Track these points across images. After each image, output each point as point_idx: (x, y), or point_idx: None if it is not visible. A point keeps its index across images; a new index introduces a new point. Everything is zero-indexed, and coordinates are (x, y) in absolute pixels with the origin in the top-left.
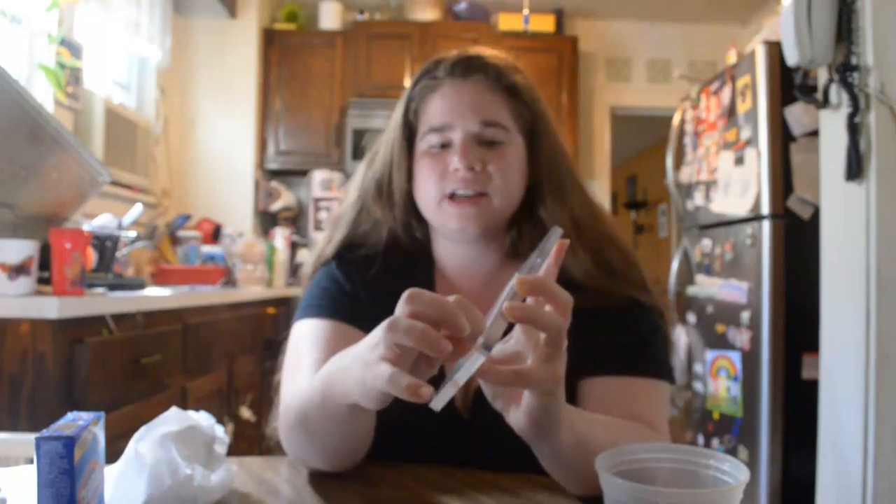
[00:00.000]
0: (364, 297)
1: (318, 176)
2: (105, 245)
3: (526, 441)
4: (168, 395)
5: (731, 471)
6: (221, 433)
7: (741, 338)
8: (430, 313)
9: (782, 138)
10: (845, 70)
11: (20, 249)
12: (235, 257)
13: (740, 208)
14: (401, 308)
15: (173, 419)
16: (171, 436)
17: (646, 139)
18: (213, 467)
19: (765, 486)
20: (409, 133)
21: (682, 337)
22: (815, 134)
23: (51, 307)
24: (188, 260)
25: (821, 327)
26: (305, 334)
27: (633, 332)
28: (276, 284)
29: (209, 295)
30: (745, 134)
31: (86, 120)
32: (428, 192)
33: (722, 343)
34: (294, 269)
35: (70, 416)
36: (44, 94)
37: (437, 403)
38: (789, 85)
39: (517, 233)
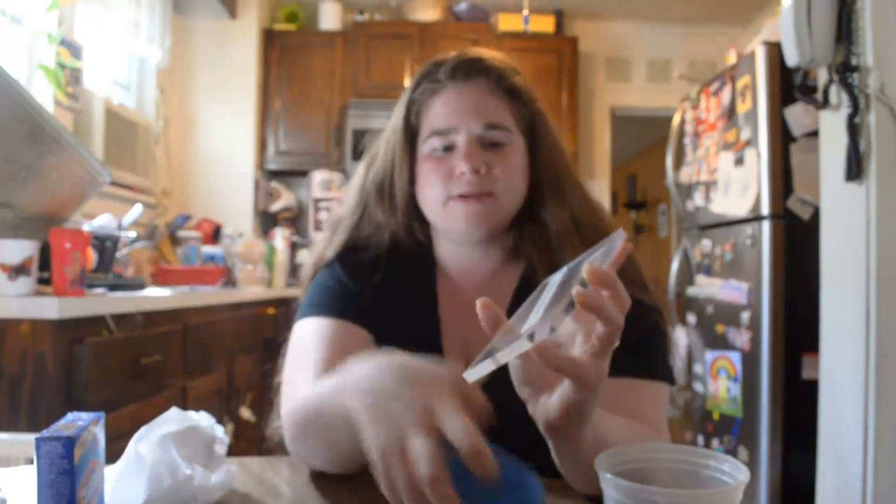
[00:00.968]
0: (369, 298)
1: (318, 176)
2: (105, 245)
3: (548, 434)
4: (168, 395)
5: (731, 471)
6: (221, 433)
7: (741, 338)
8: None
9: (782, 139)
10: (845, 70)
11: (20, 249)
12: (235, 257)
13: (740, 209)
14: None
15: (173, 419)
16: (171, 436)
17: (646, 139)
18: (212, 468)
19: (765, 486)
20: (411, 136)
21: (682, 337)
22: (814, 134)
23: (51, 307)
24: (188, 260)
25: (821, 328)
26: (309, 333)
27: (632, 332)
28: (276, 285)
29: (209, 295)
30: (745, 134)
31: (86, 120)
32: (433, 195)
33: (722, 343)
34: (294, 270)
35: (70, 416)
36: (44, 95)
37: (472, 375)
38: (789, 85)
39: (518, 233)
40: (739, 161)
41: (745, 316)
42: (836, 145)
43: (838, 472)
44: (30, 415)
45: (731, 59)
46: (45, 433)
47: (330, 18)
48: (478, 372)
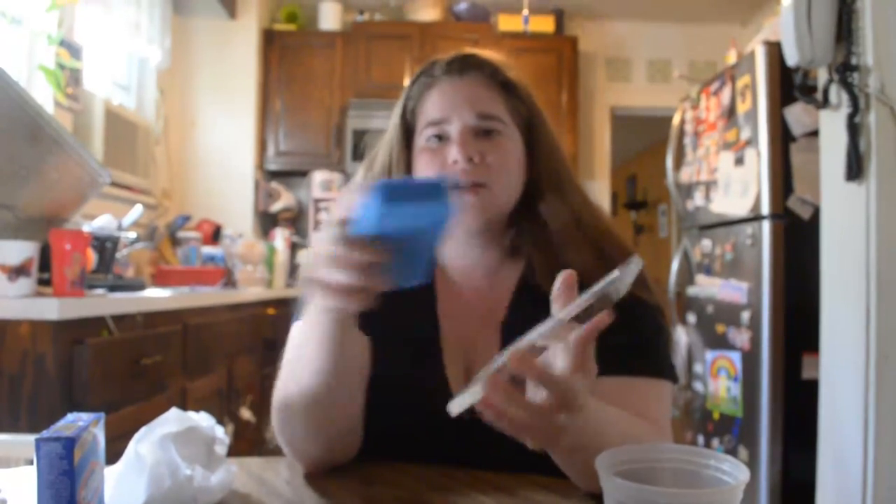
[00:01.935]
0: None
1: (318, 177)
2: (105, 246)
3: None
4: (168, 395)
5: (732, 471)
6: (221, 434)
7: (741, 338)
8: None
9: (782, 138)
10: (845, 70)
11: (20, 250)
12: (235, 258)
13: (740, 208)
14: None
15: (173, 420)
16: (171, 437)
17: (646, 139)
18: (213, 468)
19: (765, 486)
20: (407, 132)
21: (682, 337)
22: (815, 134)
23: (51, 308)
24: (188, 261)
25: (821, 327)
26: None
27: (634, 331)
28: (276, 285)
29: (209, 296)
30: (745, 134)
31: (86, 121)
32: None
33: (722, 343)
34: (294, 270)
35: (70, 416)
36: (44, 95)
37: (455, 407)
38: (789, 85)
39: (517, 231)
40: (739, 161)
41: (746, 315)
42: (836, 145)
43: (838, 471)
44: (30, 415)
45: (731, 58)
46: (45, 434)
47: (330, 18)
48: (460, 404)
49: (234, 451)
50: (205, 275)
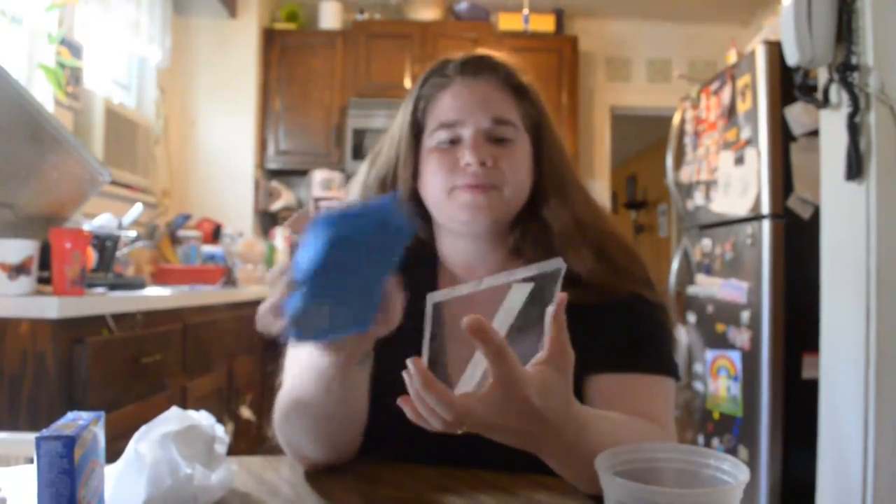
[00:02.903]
0: None
1: (318, 176)
2: (105, 245)
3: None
4: (168, 394)
5: (732, 470)
6: (221, 433)
7: (741, 337)
8: None
9: (782, 138)
10: (845, 70)
11: (20, 249)
12: (235, 257)
13: (740, 208)
14: None
15: (173, 419)
16: (172, 435)
17: (646, 139)
18: (213, 467)
19: (765, 486)
20: (417, 130)
21: (682, 337)
22: (815, 134)
23: (51, 307)
24: (188, 260)
25: (821, 327)
26: None
27: (636, 328)
28: None
29: (209, 295)
30: (745, 134)
31: (86, 120)
32: (435, 186)
33: (722, 343)
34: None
35: (70, 415)
36: (44, 94)
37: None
38: (789, 85)
39: (520, 232)
40: (739, 160)
41: (746, 315)
42: (836, 145)
43: (838, 471)
44: (30, 414)
45: (732, 58)
46: (45, 432)
47: (330, 18)
48: None
49: (234, 450)
50: (205, 274)
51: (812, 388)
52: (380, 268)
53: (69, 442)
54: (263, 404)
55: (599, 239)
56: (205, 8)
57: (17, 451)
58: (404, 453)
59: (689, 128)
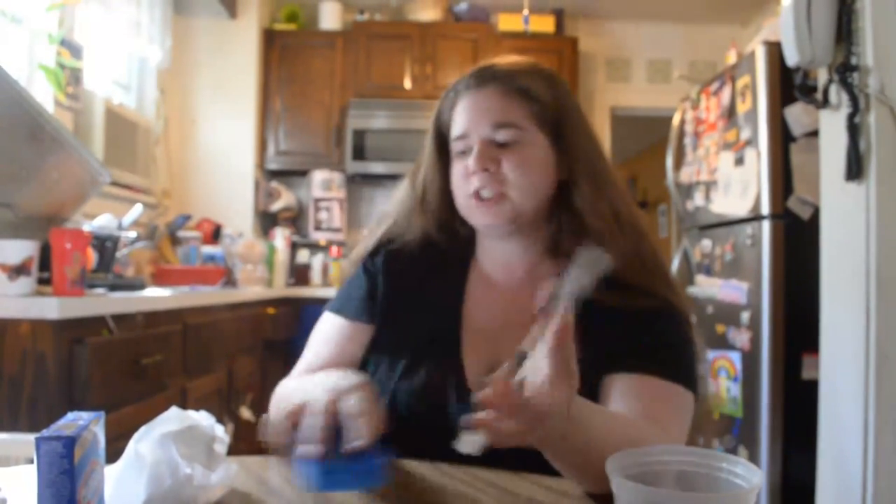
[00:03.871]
0: (392, 296)
1: (318, 176)
2: (105, 245)
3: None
4: (168, 395)
5: (745, 474)
6: (221, 433)
7: (741, 338)
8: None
9: (782, 139)
10: (845, 70)
11: (20, 250)
12: (235, 257)
13: (740, 209)
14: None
15: (173, 419)
16: (171, 435)
17: (646, 139)
18: (213, 467)
19: (765, 487)
20: (443, 144)
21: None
22: (814, 134)
23: (51, 307)
24: (188, 260)
25: (821, 328)
26: (320, 327)
27: (661, 333)
28: (277, 284)
29: (209, 295)
30: (745, 134)
31: (86, 120)
32: (458, 193)
33: (722, 343)
34: (294, 270)
35: (70, 415)
36: (44, 95)
37: (463, 447)
38: (789, 85)
39: (556, 226)
40: (739, 161)
41: (745, 316)
42: (836, 145)
43: (838, 472)
44: (30, 415)
45: (731, 58)
46: (46, 433)
47: (330, 18)
48: (464, 446)
49: (234, 450)
50: (205, 274)
51: (812, 388)
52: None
53: (69, 442)
54: (263, 404)
55: (634, 234)
56: (205, 8)
57: (18, 451)
58: (405, 453)
59: (688, 128)
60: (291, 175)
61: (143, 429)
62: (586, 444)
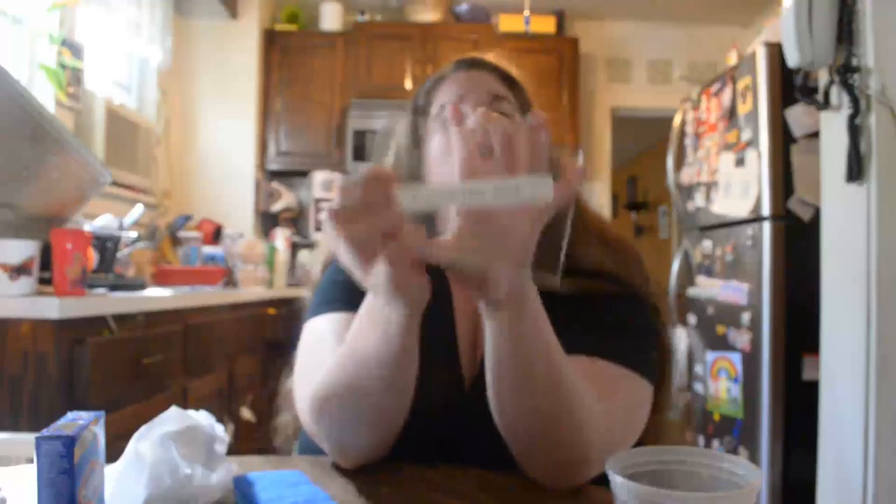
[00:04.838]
0: None
1: (319, 177)
2: (106, 245)
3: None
4: (168, 395)
5: (745, 474)
6: (221, 432)
7: (741, 339)
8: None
9: (783, 140)
10: (846, 71)
11: (21, 250)
12: (236, 258)
13: (741, 210)
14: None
15: (173, 419)
16: (171, 435)
17: (646, 140)
18: (213, 467)
19: (765, 487)
20: (417, 128)
21: (682, 338)
22: (815, 135)
23: (52, 307)
24: (189, 260)
25: (821, 328)
26: (323, 329)
27: (617, 316)
28: (277, 285)
29: (210, 295)
30: (746, 135)
31: (87, 120)
32: (435, 171)
33: (722, 344)
34: (295, 270)
35: (70, 415)
36: (45, 95)
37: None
38: (790, 86)
39: None
40: (740, 162)
41: (746, 317)
42: (836, 146)
43: (839, 472)
44: (31, 415)
45: (732, 59)
46: (46, 432)
47: (331, 19)
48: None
49: (234, 450)
50: (205, 274)
51: (812, 389)
52: None
53: (69, 442)
54: (263, 405)
55: (598, 227)
56: (206, 9)
57: (18, 451)
58: (405, 452)
59: (689, 129)
60: (292, 175)
61: (143, 429)
62: (536, 350)
